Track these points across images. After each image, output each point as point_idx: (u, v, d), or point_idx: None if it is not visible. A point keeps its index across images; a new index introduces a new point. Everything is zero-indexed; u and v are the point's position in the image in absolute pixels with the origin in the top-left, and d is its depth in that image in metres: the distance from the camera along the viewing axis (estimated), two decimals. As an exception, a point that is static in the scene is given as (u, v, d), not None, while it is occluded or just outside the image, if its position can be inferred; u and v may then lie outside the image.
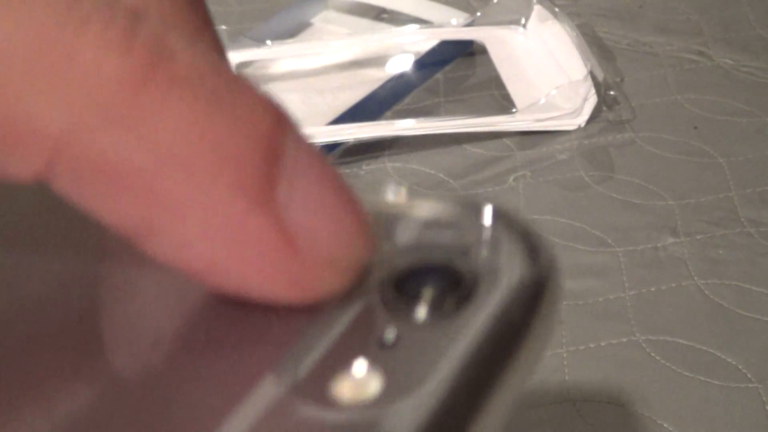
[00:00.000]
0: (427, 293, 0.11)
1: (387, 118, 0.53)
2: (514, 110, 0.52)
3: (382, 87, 0.54)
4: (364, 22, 0.61)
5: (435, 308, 0.11)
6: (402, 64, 0.56)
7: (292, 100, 0.53)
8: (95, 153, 0.10)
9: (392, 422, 0.09)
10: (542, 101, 0.52)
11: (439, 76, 0.56)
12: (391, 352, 0.10)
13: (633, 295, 0.41)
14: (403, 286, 0.11)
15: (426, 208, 0.12)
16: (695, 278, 0.42)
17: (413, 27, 0.57)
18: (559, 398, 0.36)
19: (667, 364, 0.38)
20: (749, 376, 0.37)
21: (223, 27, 0.56)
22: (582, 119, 0.52)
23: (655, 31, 0.61)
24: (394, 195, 0.12)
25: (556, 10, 0.56)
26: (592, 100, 0.52)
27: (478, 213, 0.12)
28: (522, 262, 0.11)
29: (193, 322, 0.11)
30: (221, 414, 0.10)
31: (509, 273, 0.11)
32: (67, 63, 0.09)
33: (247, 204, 0.10)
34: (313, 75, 0.56)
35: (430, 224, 0.12)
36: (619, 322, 0.40)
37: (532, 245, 0.11)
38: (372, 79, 0.55)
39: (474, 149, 0.50)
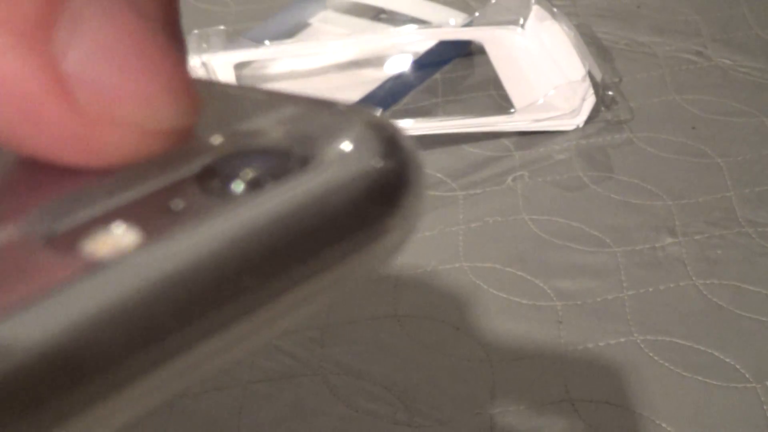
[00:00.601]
0: (244, 172, 0.10)
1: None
2: (512, 110, 0.52)
3: (381, 87, 0.54)
4: (363, 23, 0.61)
5: (248, 186, 0.10)
6: (400, 64, 0.56)
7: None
8: None
9: (124, 272, 0.09)
10: (540, 101, 0.52)
11: (437, 76, 0.56)
12: (171, 218, 0.09)
13: (631, 296, 0.41)
14: (225, 164, 0.10)
15: (283, 101, 0.11)
16: (693, 278, 0.42)
17: (411, 27, 0.57)
18: (557, 398, 0.36)
19: (666, 364, 0.38)
20: (747, 376, 0.38)
21: (222, 27, 0.56)
22: (580, 119, 0.52)
23: (654, 31, 0.61)
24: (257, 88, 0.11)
25: (555, 10, 0.56)
26: (591, 101, 0.52)
27: (334, 108, 0.11)
28: (363, 152, 0.10)
29: None
30: None
31: (339, 162, 0.10)
32: None
33: (12, 41, 0.09)
34: (311, 75, 0.56)
35: (281, 113, 0.11)
36: (617, 323, 0.40)
37: (385, 138, 0.10)
38: (370, 80, 0.55)
39: (472, 149, 0.50)
